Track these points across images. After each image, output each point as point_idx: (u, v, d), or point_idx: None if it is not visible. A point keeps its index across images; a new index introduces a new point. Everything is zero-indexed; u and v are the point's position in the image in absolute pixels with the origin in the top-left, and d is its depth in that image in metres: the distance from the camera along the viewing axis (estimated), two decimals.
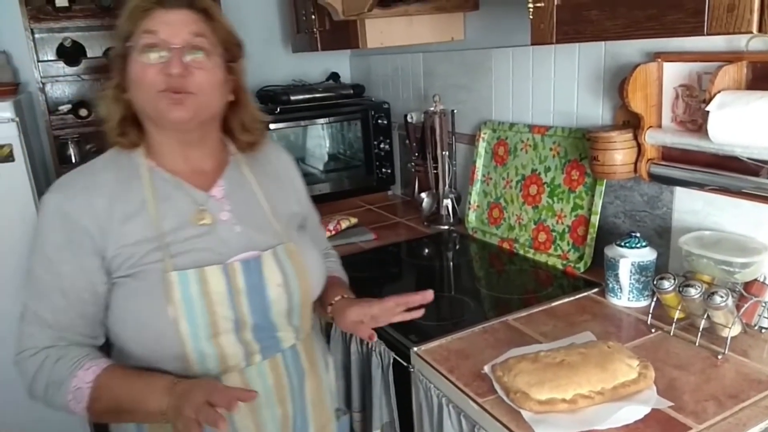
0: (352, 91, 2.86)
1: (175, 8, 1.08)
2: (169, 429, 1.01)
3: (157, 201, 1.12)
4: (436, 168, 2.39)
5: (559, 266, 1.87)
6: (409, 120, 2.49)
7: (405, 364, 1.46)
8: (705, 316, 1.33)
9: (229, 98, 1.18)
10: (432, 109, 2.32)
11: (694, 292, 1.32)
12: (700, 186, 1.49)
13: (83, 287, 1.09)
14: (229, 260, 1.12)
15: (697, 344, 1.35)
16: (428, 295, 1.19)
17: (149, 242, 1.09)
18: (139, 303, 1.07)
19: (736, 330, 1.34)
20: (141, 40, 1.06)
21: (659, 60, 1.53)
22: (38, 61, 2.55)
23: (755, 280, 1.37)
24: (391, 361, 1.51)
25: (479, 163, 2.26)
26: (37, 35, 2.63)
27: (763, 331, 1.38)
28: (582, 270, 1.80)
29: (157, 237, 1.09)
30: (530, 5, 1.39)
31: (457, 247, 2.25)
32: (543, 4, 1.37)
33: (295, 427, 1.24)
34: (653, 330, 1.43)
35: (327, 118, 2.76)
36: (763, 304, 1.38)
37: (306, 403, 1.25)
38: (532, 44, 1.44)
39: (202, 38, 1.09)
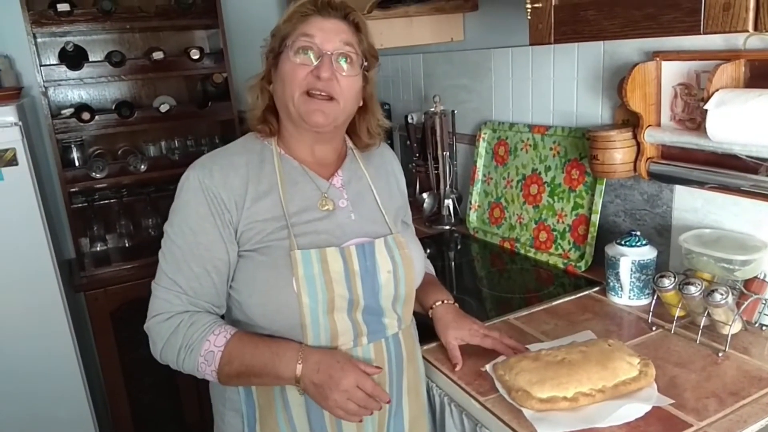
0: None
1: (332, 17, 1.19)
2: (278, 392, 1.19)
3: (285, 185, 1.22)
4: (437, 168, 2.39)
5: (560, 265, 1.88)
6: (409, 121, 2.50)
7: None
8: (705, 313, 1.33)
9: (360, 104, 1.28)
10: (432, 109, 2.33)
11: (694, 290, 1.32)
12: (699, 184, 1.50)
13: (219, 256, 1.18)
14: (344, 244, 1.21)
15: (697, 342, 1.35)
16: (520, 351, 1.33)
17: (276, 221, 1.19)
18: (267, 275, 1.16)
19: (736, 327, 1.34)
20: (297, 41, 1.17)
21: (658, 59, 1.53)
22: (41, 65, 2.56)
23: (755, 277, 1.38)
24: None
25: (480, 163, 2.27)
26: (39, 39, 2.64)
27: (764, 328, 1.39)
28: (583, 269, 1.80)
29: (284, 216, 1.19)
30: (528, 6, 1.39)
31: (459, 246, 2.26)
32: (541, 5, 1.37)
33: (390, 412, 1.29)
34: (654, 328, 1.44)
35: None
36: (764, 302, 1.38)
37: (403, 392, 1.31)
38: (531, 44, 1.45)
39: (351, 47, 1.19)
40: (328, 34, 1.17)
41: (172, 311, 1.18)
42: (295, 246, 1.16)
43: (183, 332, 1.15)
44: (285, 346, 1.15)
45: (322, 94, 1.16)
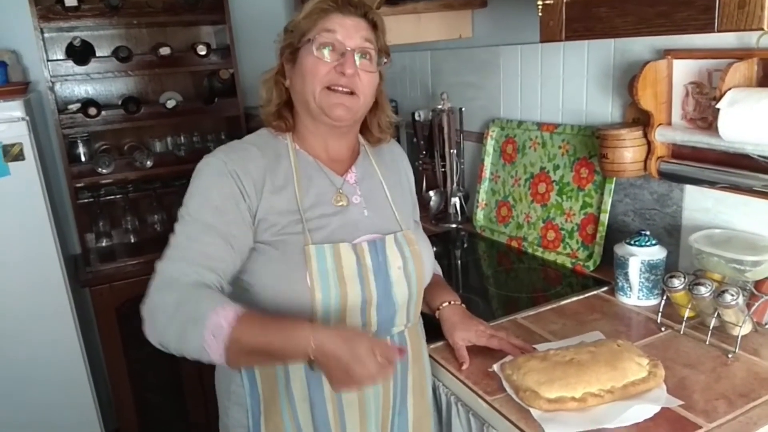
0: None
1: (352, 15, 1.20)
2: (282, 386, 1.19)
3: (301, 179, 1.23)
4: (444, 166, 2.39)
5: (568, 264, 1.86)
6: (416, 118, 2.49)
7: None
8: (715, 314, 1.32)
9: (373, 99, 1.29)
10: (440, 107, 2.32)
11: (704, 291, 1.31)
12: (710, 184, 1.48)
13: (238, 234, 1.16)
14: (356, 240, 1.21)
15: (707, 343, 1.34)
16: (527, 351, 1.32)
17: (292, 214, 1.19)
18: (280, 269, 1.16)
19: (746, 329, 1.33)
20: (319, 36, 1.18)
21: (669, 57, 1.52)
22: (48, 60, 2.56)
23: (766, 278, 1.36)
24: None
25: (487, 161, 2.26)
26: (46, 34, 2.64)
27: None
28: (591, 268, 1.79)
29: (298, 210, 1.20)
30: (539, 2, 1.39)
31: (465, 245, 2.25)
32: (552, 2, 1.37)
33: (394, 410, 1.28)
34: (663, 329, 1.43)
35: None
36: None
37: (407, 391, 1.30)
38: (542, 42, 1.44)
39: (371, 44, 1.21)
40: (349, 31, 1.18)
41: (179, 281, 1.09)
42: (309, 240, 1.17)
43: (190, 305, 1.05)
44: (298, 320, 1.07)
45: (345, 89, 1.18)
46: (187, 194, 1.19)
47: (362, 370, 0.98)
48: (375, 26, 1.23)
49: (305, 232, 1.17)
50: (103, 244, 2.88)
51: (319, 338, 1.00)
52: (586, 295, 1.65)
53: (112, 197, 2.93)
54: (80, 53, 2.60)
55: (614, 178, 1.75)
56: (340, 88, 1.18)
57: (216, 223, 1.14)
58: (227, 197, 1.16)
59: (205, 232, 1.14)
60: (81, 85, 2.88)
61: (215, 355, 1.02)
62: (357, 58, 1.18)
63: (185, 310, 1.05)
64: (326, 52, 1.18)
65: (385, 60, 1.26)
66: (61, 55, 2.74)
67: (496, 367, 1.28)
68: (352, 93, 1.19)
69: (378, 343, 1.03)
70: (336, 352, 0.99)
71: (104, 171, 2.68)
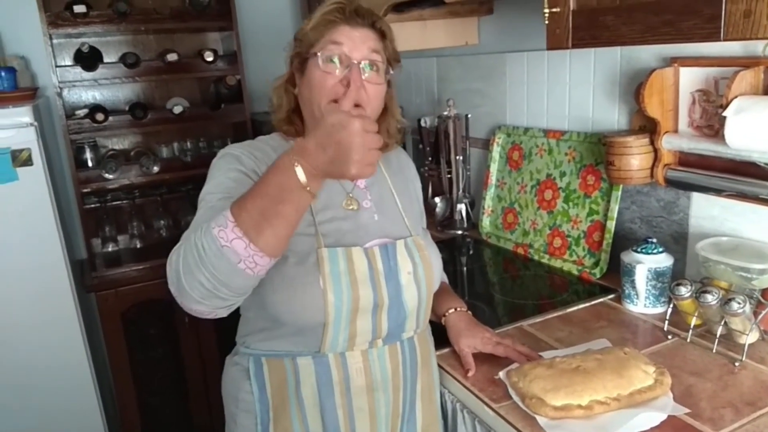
0: None
1: (359, 26, 1.19)
2: (292, 391, 1.19)
3: None
4: (449, 172, 2.39)
5: (575, 272, 1.86)
6: (422, 124, 2.49)
7: None
8: (722, 322, 1.32)
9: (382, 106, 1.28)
10: (446, 113, 2.32)
11: (711, 299, 1.31)
12: (717, 191, 1.48)
13: None
14: (367, 244, 1.21)
15: (714, 351, 1.34)
16: (533, 358, 1.31)
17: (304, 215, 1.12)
18: (293, 271, 1.15)
19: (753, 337, 1.32)
20: (326, 49, 1.18)
21: (676, 65, 1.52)
22: (56, 66, 2.57)
23: None
24: None
25: (493, 167, 2.26)
26: (55, 41, 2.66)
27: None
28: (598, 276, 1.79)
29: (310, 212, 1.19)
30: (546, 10, 1.39)
31: (471, 252, 2.25)
32: (559, 10, 1.37)
33: (403, 416, 1.29)
34: (670, 336, 1.42)
35: None
36: None
37: (416, 396, 1.31)
38: (548, 49, 1.44)
39: (378, 55, 1.20)
40: (355, 42, 1.17)
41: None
42: (321, 243, 1.17)
43: (188, 237, 1.00)
44: (274, 165, 0.99)
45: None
46: (204, 184, 1.18)
47: (367, 170, 0.95)
48: (383, 35, 1.23)
49: (318, 235, 1.18)
50: (109, 249, 2.89)
51: (296, 146, 0.96)
52: (593, 302, 1.65)
53: (118, 202, 2.95)
54: (88, 59, 2.62)
55: (621, 186, 1.75)
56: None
57: (236, 192, 1.05)
58: (247, 172, 1.17)
59: (225, 200, 1.05)
60: (88, 90, 2.90)
61: (238, 241, 0.94)
62: (364, 67, 1.18)
63: (192, 231, 1.01)
64: (332, 65, 1.17)
65: (392, 71, 1.25)
66: (69, 61, 2.76)
67: (502, 374, 1.28)
68: (357, 105, 1.17)
69: (365, 120, 0.96)
70: (336, 166, 0.94)
71: (111, 176, 2.69)
